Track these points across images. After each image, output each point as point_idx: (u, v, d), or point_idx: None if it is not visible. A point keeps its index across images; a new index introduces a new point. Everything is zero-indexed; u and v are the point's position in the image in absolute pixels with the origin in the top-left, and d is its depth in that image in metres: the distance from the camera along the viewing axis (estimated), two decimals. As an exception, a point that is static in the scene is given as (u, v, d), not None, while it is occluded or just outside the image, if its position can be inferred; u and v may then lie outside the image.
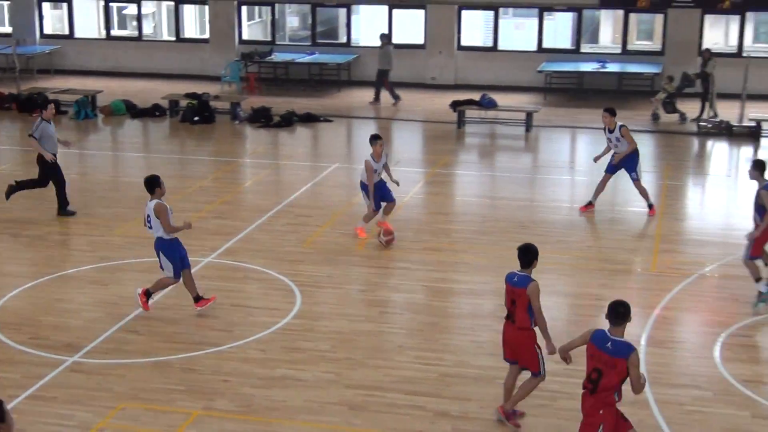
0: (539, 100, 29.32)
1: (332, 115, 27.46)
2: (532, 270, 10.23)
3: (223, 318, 13.36)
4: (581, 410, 9.18)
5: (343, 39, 33.56)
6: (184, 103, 27.46)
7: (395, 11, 32.12)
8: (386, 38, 29.86)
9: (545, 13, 31.51)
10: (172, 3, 34.26)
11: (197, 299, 13.37)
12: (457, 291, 14.67)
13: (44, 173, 17.94)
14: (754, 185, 13.70)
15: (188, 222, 13.25)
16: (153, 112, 27.59)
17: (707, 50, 27.23)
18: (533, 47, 31.60)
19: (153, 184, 13.06)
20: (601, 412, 8.90)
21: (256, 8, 35.29)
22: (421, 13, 31.78)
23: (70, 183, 18.44)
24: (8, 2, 35.49)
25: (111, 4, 34.93)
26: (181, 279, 13.33)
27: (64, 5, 34.93)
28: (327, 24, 35.17)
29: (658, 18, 31.14)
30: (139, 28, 34.80)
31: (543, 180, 21.28)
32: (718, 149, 24.35)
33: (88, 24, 35.36)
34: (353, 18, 33.20)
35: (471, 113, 26.74)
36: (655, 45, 31.88)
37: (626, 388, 8.89)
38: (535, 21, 31.61)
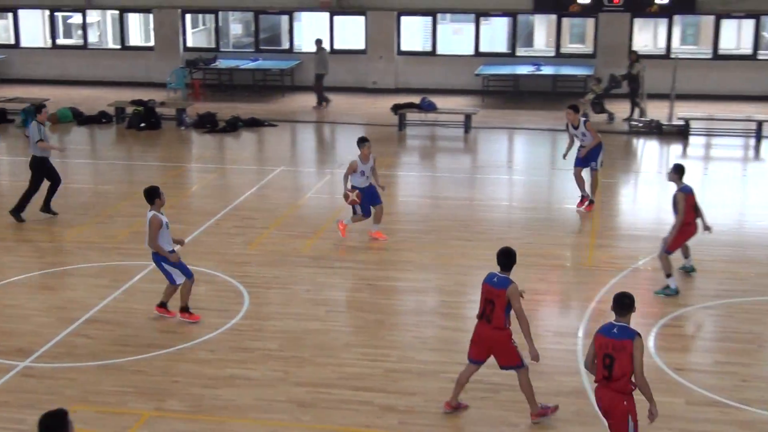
0: (477, 103, 29.48)
1: (276, 120, 27.38)
2: (510, 273, 10.23)
3: (172, 320, 13.24)
4: (600, 408, 9.11)
5: (286, 45, 33.48)
6: (130, 110, 27.20)
7: (336, 17, 32.12)
8: (321, 43, 29.88)
9: (481, 19, 31.72)
10: (117, 12, 33.94)
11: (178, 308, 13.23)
12: (400, 289, 14.69)
13: (39, 176, 17.92)
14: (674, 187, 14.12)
15: (178, 246, 13.30)
16: (99, 119, 27.31)
17: (634, 53, 27.58)
18: (471, 51, 31.78)
19: (153, 194, 12.81)
20: (624, 403, 8.86)
21: (200, 16, 35.06)
22: (361, 19, 31.81)
23: (19, 190, 18.18)
24: (-47, 13, 34.94)
25: (56, 13, 34.51)
26: (179, 283, 13.11)
27: (10, 15, 34.43)
28: (270, 31, 35.06)
29: (590, 22, 31.46)
30: (85, 36, 34.43)
31: (482, 180, 21.40)
32: (649, 147, 24.66)
33: (34, 33, 34.90)
34: (295, 25, 33.13)
35: (411, 116, 26.81)
36: (587, 48, 32.21)
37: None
38: (472, 26, 31.80)
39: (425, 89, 29.86)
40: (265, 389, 11.27)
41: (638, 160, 24.10)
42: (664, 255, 14.02)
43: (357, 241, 16.71)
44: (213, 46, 33.72)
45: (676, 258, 14.47)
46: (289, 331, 12.92)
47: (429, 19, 32.09)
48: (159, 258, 12.92)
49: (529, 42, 34.88)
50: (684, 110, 25.99)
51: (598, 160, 18.18)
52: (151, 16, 33.46)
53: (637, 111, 26.42)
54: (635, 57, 26.95)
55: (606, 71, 27.99)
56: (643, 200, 20.08)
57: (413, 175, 22.19)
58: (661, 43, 31.65)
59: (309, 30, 33.31)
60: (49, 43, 34.80)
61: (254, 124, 26.81)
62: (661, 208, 18.88)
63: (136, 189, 20.00)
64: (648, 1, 28.96)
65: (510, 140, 25.92)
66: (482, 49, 31.77)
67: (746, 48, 31.04)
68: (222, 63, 32.51)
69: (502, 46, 32.52)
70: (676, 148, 24.05)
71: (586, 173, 18.38)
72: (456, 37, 33.94)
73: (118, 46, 34.36)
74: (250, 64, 32.23)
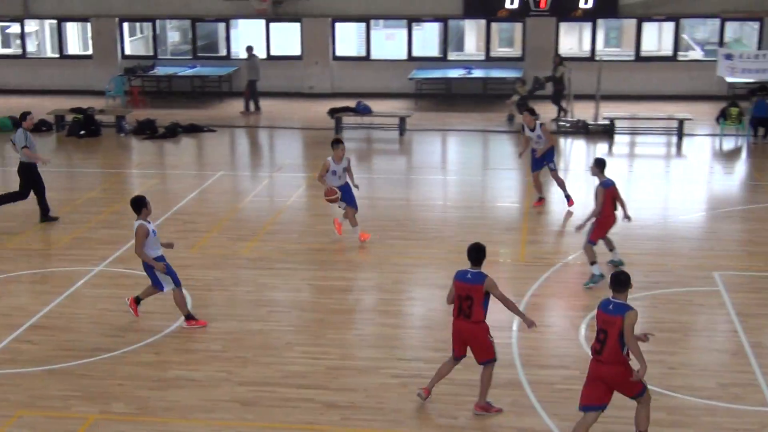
0: (411, 106, 29.57)
1: (215, 125, 27.18)
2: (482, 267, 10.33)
3: (116, 324, 13.10)
4: (592, 376, 9.44)
5: (223, 52, 33.24)
6: (70, 117, 26.79)
7: (272, 24, 31.99)
8: (252, 50, 29.74)
9: (414, 24, 31.80)
10: (55, 21, 33.45)
11: (188, 317, 13.05)
12: (340, 288, 14.67)
13: (27, 183, 17.78)
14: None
15: (170, 242, 13.23)
16: (39, 128, 26.83)
17: (557, 56, 27.86)
18: (404, 56, 31.85)
19: (139, 204, 12.71)
20: (623, 369, 9.23)
21: (138, 24, 34.68)
22: (297, 26, 31.72)
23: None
24: None
25: (-6, 23, 33.95)
26: (166, 291, 12.92)
27: (-53, 25, 33.79)
28: (207, 38, 34.82)
29: (518, 26, 31.72)
30: (23, 46, 33.86)
31: (417, 180, 21.46)
32: (577, 146, 24.93)
33: (-28, 44, 34.29)
34: (232, 32, 32.91)
35: (348, 119, 26.81)
36: (515, 51, 32.44)
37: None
38: (405, 31, 31.88)
39: (360, 93, 29.86)
40: (209, 389, 11.20)
41: (566, 158, 24.34)
42: (588, 245, 14.34)
43: (296, 242, 16.67)
44: (151, 53, 33.36)
45: (604, 253, 14.67)
46: (232, 332, 12.85)
47: (363, 25, 32.09)
48: (148, 264, 12.77)
49: (460, 46, 35.06)
50: (609, 110, 26.32)
51: (554, 160, 18.42)
52: (89, 25, 33.02)
53: (562, 112, 26.71)
54: (559, 60, 27.24)
55: (534, 74, 28.25)
56: (573, 197, 20.26)
57: (350, 177, 22.17)
58: (586, 46, 32.03)
59: (245, 37, 33.09)
60: (-13, 53, 34.21)
61: (193, 129, 26.60)
62: (589, 204, 19.03)
63: (76, 196, 19.84)
64: (573, 5, 29.26)
65: (443, 142, 26.04)
66: (415, 53, 31.85)
67: (667, 50, 31.53)
68: (160, 70, 32.21)
69: (434, 51, 32.63)
70: (602, 147, 24.35)
71: (546, 176, 18.60)
72: (389, 42, 33.99)
73: (57, 55, 33.87)
74: (188, 71, 31.98)
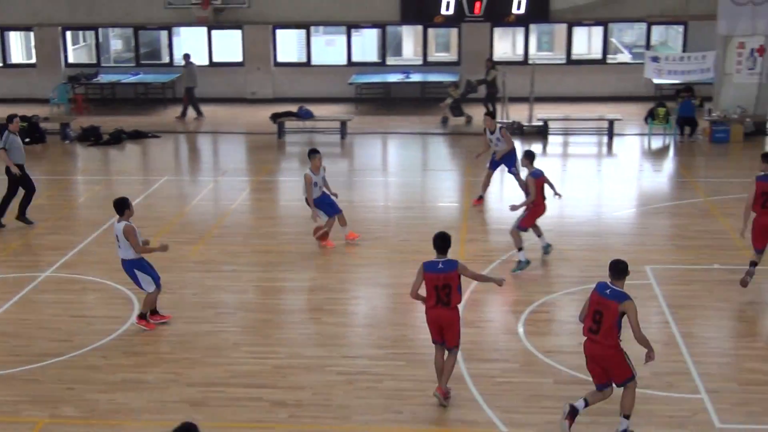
0: (351, 110, 29.55)
1: (159, 131, 26.91)
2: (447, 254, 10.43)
3: (64, 329, 12.91)
4: (586, 355, 9.72)
5: (166, 59, 32.91)
6: (14, 125, 26.29)
7: (214, 32, 31.76)
8: (189, 57, 29.50)
9: (353, 30, 31.79)
10: (-3, 30, 32.87)
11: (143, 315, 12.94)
12: (286, 288, 14.62)
13: (14, 181, 17.66)
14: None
15: (165, 244, 12.98)
16: (-17, 136, 26.34)
17: (489, 60, 28.02)
18: (343, 61, 31.81)
19: (122, 205, 12.56)
20: (614, 351, 9.49)
21: (81, 33, 34.19)
22: (238, 33, 31.51)
23: None
24: None
25: (-65, 33, 33.19)
26: (149, 291, 12.81)
27: None
28: (150, 46, 34.47)
29: (453, 32, 31.84)
30: (-34, 55, 33.21)
31: (359, 182, 21.44)
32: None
33: None
34: (174, 39, 32.61)
35: (290, 124, 26.70)
36: (452, 56, 32.55)
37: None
38: (344, 37, 31.85)
39: (302, 98, 29.74)
40: (158, 391, 11.09)
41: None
42: (515, 230, 14.82)
43: (241, 244, 16.56)
44: (94, 61, 32.95)
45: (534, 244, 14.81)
46: (180, 333, 12.73)
47: (303, 31, 31.99)
48: (131, 266, 12.63)
49: (398, 51, 35.12)
50: (542, 112, 26.53)
51: (516, 164, 18.54)
52: (32, 33, 32.49)
53: (499, 114, 26.87)
54: (491, 64, 27.40)
55: (470, 78, 28.39)
56: (509, 196, 20.36)
57: (294, 180, 22.01)
58: (520, 50, 32.26)
59: (187, 44, 32.82)
60: (-71, 63, 33.46)
61: (138, 136, 26.31)
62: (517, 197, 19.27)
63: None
64: (506, 11, 29.45)
65: (383, 144, 26.07)
66: (354, 59, 31.84)
67: (596, 53, 31.89)
68: (104, 78, 31.80)
69: (372, 56, 32.65)
70: (536, 147, 24.52)
71: (507, 177, 18.83)
72: (329, 48, 33.96)
73: (0, 64, 33.25)
74: (132, 78, 31.63)
